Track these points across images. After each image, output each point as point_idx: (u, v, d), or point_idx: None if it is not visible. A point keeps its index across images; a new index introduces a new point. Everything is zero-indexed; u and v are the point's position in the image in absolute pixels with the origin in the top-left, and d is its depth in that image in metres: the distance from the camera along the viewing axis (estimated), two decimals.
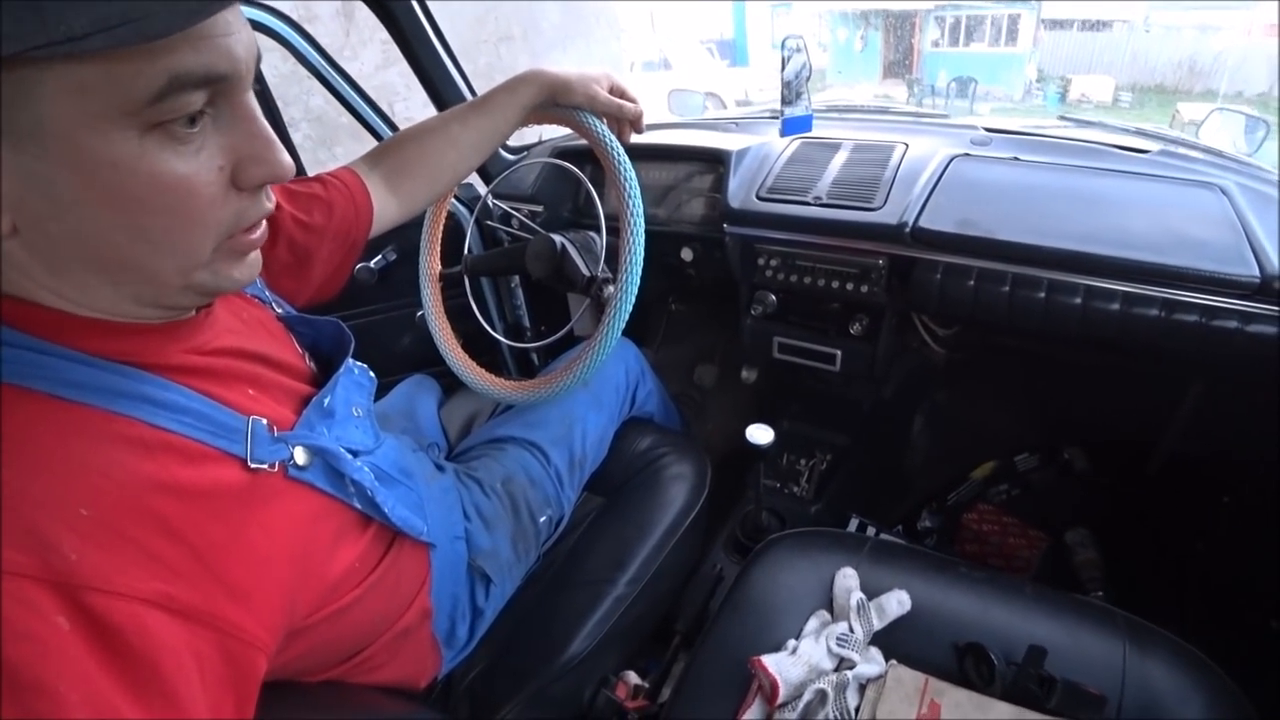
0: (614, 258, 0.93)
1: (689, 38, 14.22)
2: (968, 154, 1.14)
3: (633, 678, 0.99)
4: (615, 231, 0.93)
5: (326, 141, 2.66)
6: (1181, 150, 1.16)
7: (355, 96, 1.33)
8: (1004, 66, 11.80)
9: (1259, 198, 0.98)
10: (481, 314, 1.21)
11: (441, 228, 1.17)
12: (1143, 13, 11.97)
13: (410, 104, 2.80)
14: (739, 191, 1.19)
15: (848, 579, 0.84)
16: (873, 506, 1.51)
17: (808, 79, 1.11)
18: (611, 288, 0.96)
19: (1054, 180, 1.07)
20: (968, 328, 1.30)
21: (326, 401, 0.64)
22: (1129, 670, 0.70)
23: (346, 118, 1.38)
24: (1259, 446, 1.10)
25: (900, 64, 13.27)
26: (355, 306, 1.50)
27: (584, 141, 0.93)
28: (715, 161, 1.26)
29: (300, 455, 0.56)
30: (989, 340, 1.38)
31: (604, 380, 1.13)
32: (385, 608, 0.72)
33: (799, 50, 1.07)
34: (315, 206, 0.79)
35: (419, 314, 1.48)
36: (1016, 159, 1.12)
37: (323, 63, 1.28)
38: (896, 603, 0.80)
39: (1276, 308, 0.85)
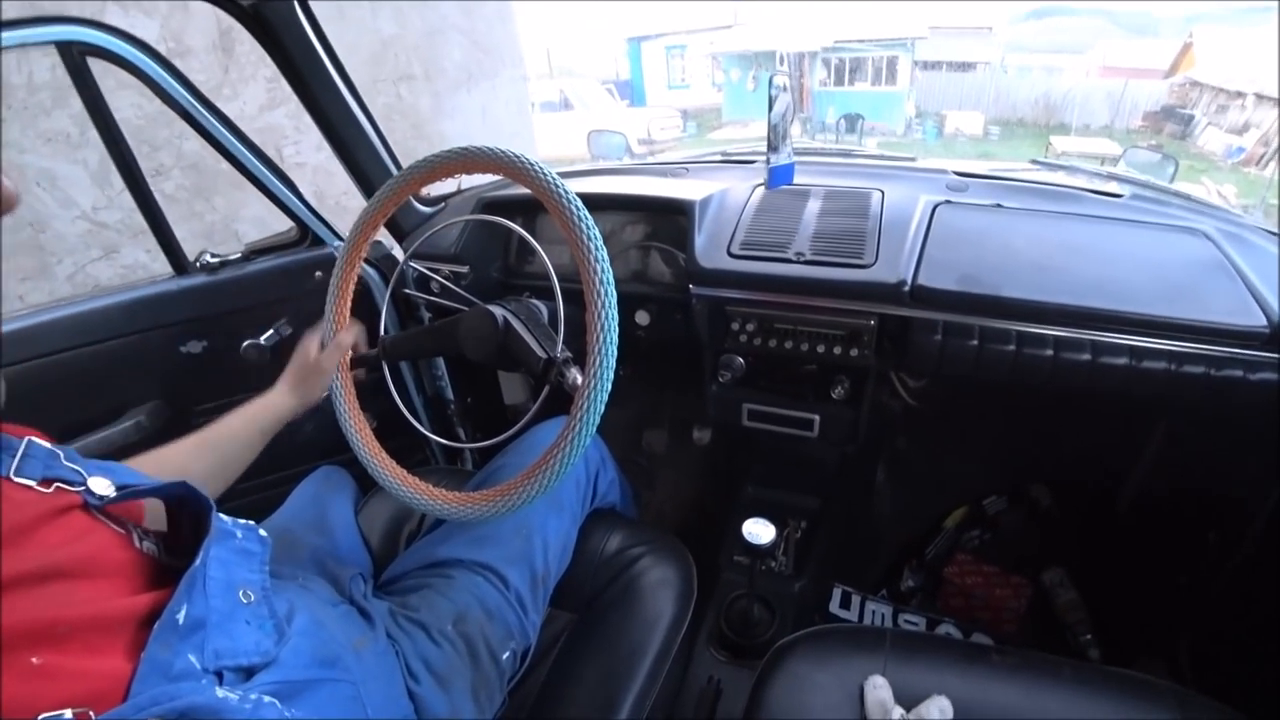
0: (573, 329, 0.78)
1: (587, 78, 14.46)
2: (950, 201, 1.07)
3: None
4: (569, 295, 0.79)
5: (204, 192, 2.35)
6: (1151, 193, 1.15)
7: (233, 141, 1.12)
8: (886, 104, 12.77)
9: (1239, 242, 0.97)
10: (398, 390, 1.01)
11: (349, 304, 0.97)
12: (999, 55, 13.35)
13: (301, 147, 2.54)
14: (707, 248, 1.06)
15: (879, 690, 0.74)
16: (851, 569, 1.42)
17: (791, 122, 1.00)
18: (577, 373, 0.79)
19: (1043, 229, 1.02)
20: (938, 379, 1.23)
21: (191, 613, 0.45)
22: None
23: (228, 164, 1.16)
24: (1235, 481, 1.09)
25: (792, 102, 14.05)
26: (244, 390, 1.26)
27: (513, 189, 0.77)
28: (674, 212, 1.12)
29: None
30: (956, 388, 1.32)
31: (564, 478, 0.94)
32: None
33: (785, 90, 0.95)
34: None
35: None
36: (1000, 205, 1.06)
37: (193, 102, 1.06)
38: (938, 711, 0.71)
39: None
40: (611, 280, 0.72)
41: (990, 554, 1.45)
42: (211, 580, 0.50)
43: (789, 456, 1.40)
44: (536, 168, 0.75)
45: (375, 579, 0.90)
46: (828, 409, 1.09)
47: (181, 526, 0.56)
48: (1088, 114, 12.68)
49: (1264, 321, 0.83)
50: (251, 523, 0.60)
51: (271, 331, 1.22)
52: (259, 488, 1.33)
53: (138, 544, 0.50)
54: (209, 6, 1.02)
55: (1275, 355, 0.83)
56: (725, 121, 14.40)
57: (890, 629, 0.83)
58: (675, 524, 1.60)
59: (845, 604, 1.31)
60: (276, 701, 0.49)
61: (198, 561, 0.48)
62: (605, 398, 0.73)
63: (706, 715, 0.97)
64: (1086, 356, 0.88)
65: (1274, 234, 1.02)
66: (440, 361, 1.48)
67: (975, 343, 0.91)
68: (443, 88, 3.24)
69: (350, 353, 0.96)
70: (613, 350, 0.71)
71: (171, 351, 1.18)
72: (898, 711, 0.71)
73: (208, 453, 0.82)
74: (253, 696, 0.47)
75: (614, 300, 0.72)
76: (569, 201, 0.72)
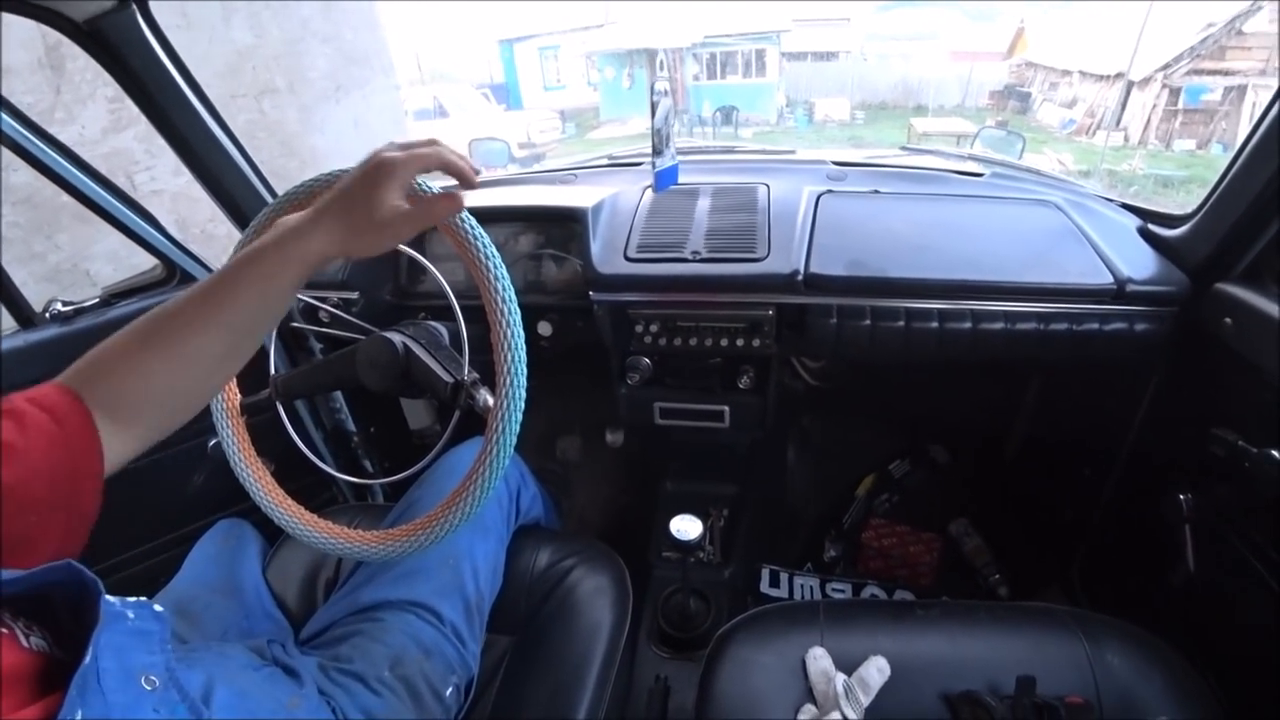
0: (475, 347, 0.77)
1: (460, 83, 14.08)
2: (831, 190, 1.13)
3: None
4: (469, 313, 0.77)
5: (44, 228, 2.10)
6: (1007, 171, 1.25)
7: (72, 170, 1.00)
8: (758, 95, 13.26)
9: (1084, 211, 1.09)
10: (294, 427, 0.95)
11: None
12: (859, 44, 14.20)
13: (156, 173, 2.33)
14: (604, 253, 1.06)
15: (820, 660, 0.78)
16: (775, 548, 1.47)
17: (673, 125, 1.01)
18: (487, 393, 0.77)
19: (918, 210, 1.09)
20: (835, 360, 1.30)
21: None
22: (1096, 669, 0.73)
23: (69, 196, 1.04)
24: (1099, 422, 1.21)
25: (674, 106, 14.30)
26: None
27: None
28: (567, 220, 1.12)
29: None
30: (854, 367, 1.40)
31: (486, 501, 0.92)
32: None
33: (666, 94, 0.97)
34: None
35: (212, 442, 1.16)
36: (877, 191, 1.13)
37: (18, 128, 0.94)
38: (876, 670, 0.76)
39: (1126, 308, 0.94)
40: (513, 296, 0.70)
41: (901, 514, 1.55)
42: (106, 674, 0.45)
43: (702, 448, 1.43)
44: (423, 185, 0.71)
45: (296, 635, 0.84)
46: (736, 399, 1.12)
47: (59, 612, 0.50)
48: (942, 95, 13.81)
49: (1110, 279, 0.93)
50: (144, 599, 0.53)
51: None
52: (148, 553, 1.21)
53: (24, 642, 0.44)
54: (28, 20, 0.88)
55: (1122, 308, 0.94)
56: (604, 120, 14.48)
57: (822, 601, 0.87)
58: (598, 528, 1.60)
59: (775, 582, 1.36)
60: None
61: (87, 658, 0.42)
62: (520, 416, 0.71)
63: (659, 714, 0.97)
64: (968, 325, 0.95)
65: (1112, 200, 1.15)
66: (337, 393, 1.40)
67: (868, 323, 0.97)
68: (309, 100, 3.06)
69: (240, 397, 0.89)
70: (522, 368, 0.70)
71: None
72: (840, 677, 0.75)
73: (224, 325, 0.57)
74: None
75: (518, 316, 0.70)
76: (461, 219, 0.70)
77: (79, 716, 0.40)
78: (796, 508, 1.61)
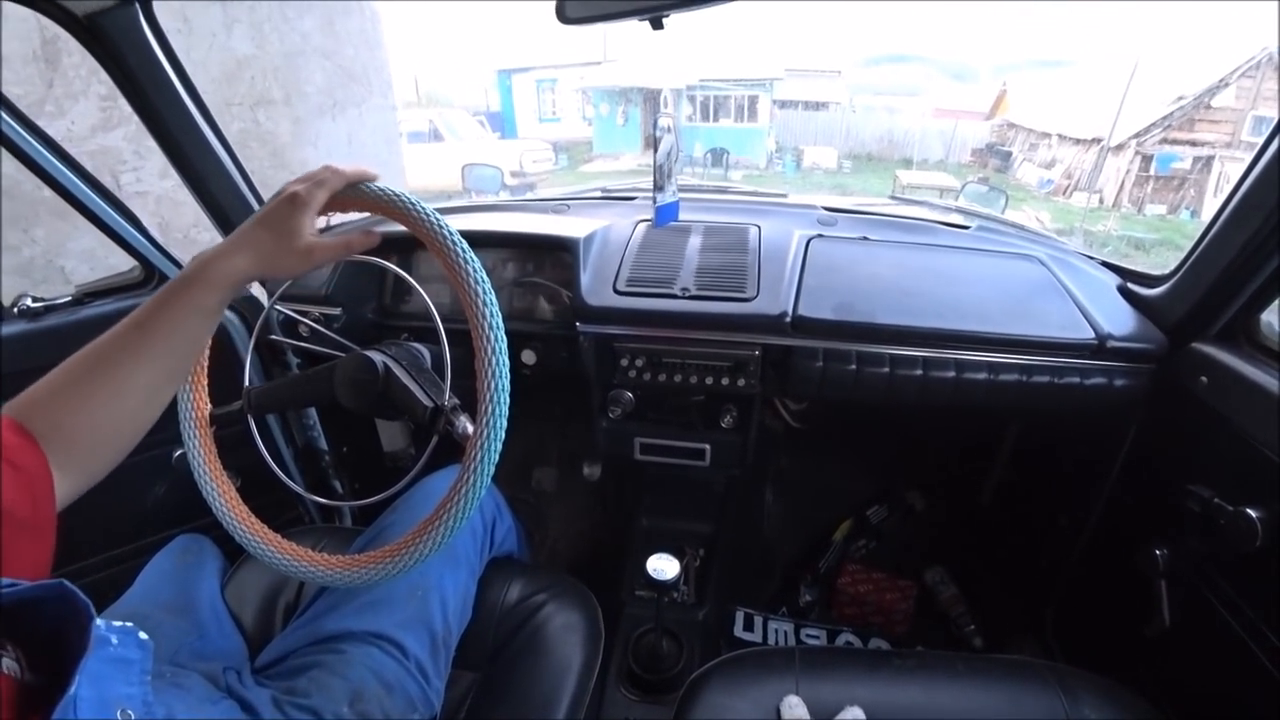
0: (457, 371, 0.74)
1: (456, 109, 14.22)
2: (821, 235, 1.14)
3: None
4: (453, 337, 0.75)
5: (20, 220, 2.05)
6: (993, 225, 1.28)
7: (56, 164, 0.97)
8: (749, 139, 13.56)
9: (1066, 266, 1.11)
10: (265, 443, 0.91)
11: (206, 354, 0.86)
12: (848, 96, 14.66)
13: (142, 174, 2.29)
14: (594, 285, 1.06)
15: (796, 709, 0.76)
16: (749, 590, 1.45)
17: (675, 161, 1.02)
18: (467, 421, 0.75)
19: (906, 259, 1.11)
20: (817, 401, 1.30)
21: None
22: None
23: (50, 190, 1.01)
24: (1076, 471, 1.22)
25: (677, 143, 14.58)
26: None
27: (387, 225, 0.73)
28: (558, 249, 1.11)
29: None
30: (833, 409, 1.40)
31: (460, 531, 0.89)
32: None
33: (669, 131, 0.97)
34: None
35: (177, 453, 1.12)
36: (866, 238, 1.14)
37: (5, 118, 0.92)
38: None
39: (1106, 363, 0.96)
40: (501, 323, 0.69)
41: (877, 560, 1.54)
42: (82, 703, 0.42)
43: (678, 485, 1.42)
44: (417, 207, 0.70)
45: (252, 661, 0.80)
46: (717, 437, 1.11)
47: (40, 633, 0.46)
48: (925, 149, 14.28)
49: (1092, 334, 0.95)
50: (129, 625, 0.50)
51: None
52: (100, 565, 1.16)
53: (6, 671, 0.41)
54: (27, 11, 0.86)
55: (1102, 363, 0.96)
56: (595, 155, 14.67)
57: (798, 647, 0.85)
58: (569, 561, 1.57)
59: (749, 626, 1.33)
60: None
61: (72, 687, 0.40)
62: (500, 446, 0.69)
63: None
64: (952, 374, 0.96)
65: (1093, 258, 1.18)
66: (311, 410, 1.36)
67: (853, 367, 0.97)
68: (304, 113, 3.06)
69: (209, 407, 0.86)
70: (505, 397, 0.68)
71: None
72: None
73: (160, 353, 0.59)
74: None
75: (504, 344, 0.69)
76: (453, 242, 0.69)
77: None
78: (772, 549, 1.59)
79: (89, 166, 1.03)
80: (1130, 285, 1.08)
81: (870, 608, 1.44)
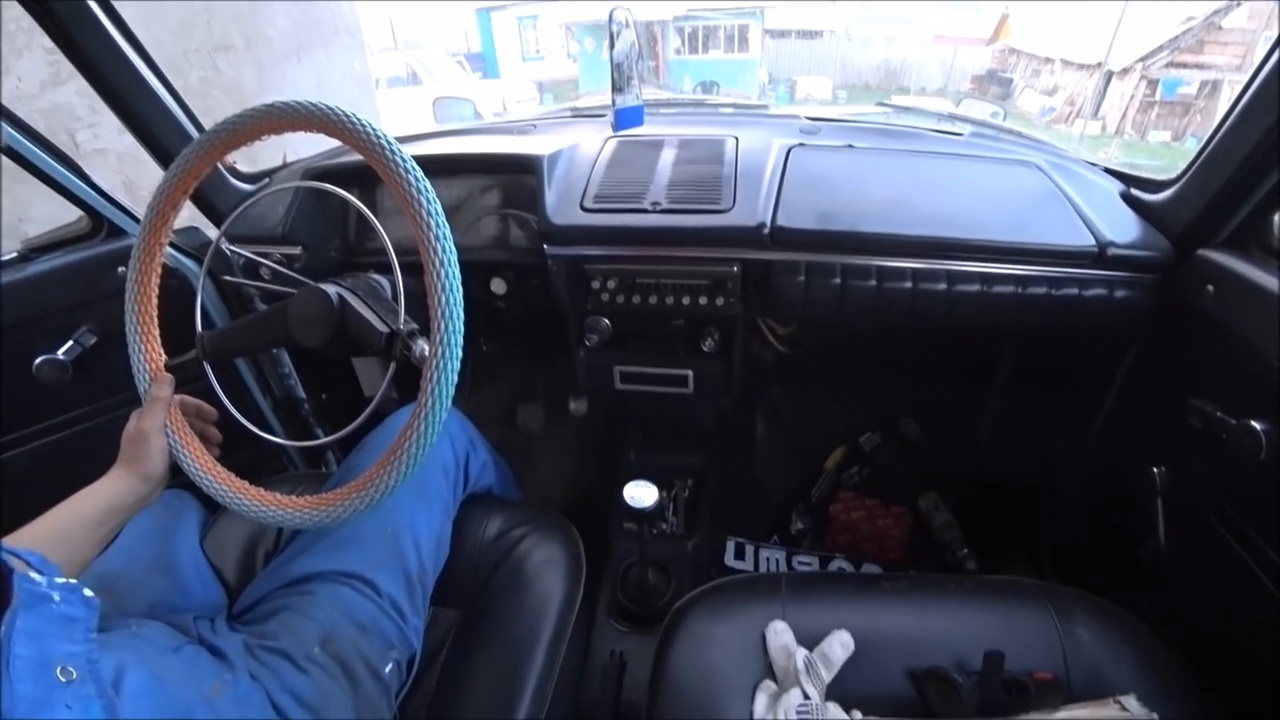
0: (416, 301, 0.70)
1: (435, 50, 13.70)
2: (803, 144, 1.07)
3: None
4: (410, 269, 0.71)
5: None
6: (988, 131, 1.21)
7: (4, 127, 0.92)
8: (740, 71, 13.09)
9: (1066, 173, 1.04)
10: (236, 399, 0.88)
11: (155, 298, 0.81)
12: (844, 23, 14.14)
13: (99, 130, 2.20)
14: (559, 204, 1.00)
15: (781, 634, 0.74)
16: (742, 521, 1.44)
17: (638, 61, 0.94)
18: (424, 343, 0.71)
19: (894, 166, 1.04)
20: (805, 325, 1.26)
21: None
22: (1065, 644, 0.71)
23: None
24: (1074, 395, 1.18)
25: (647, 71, 14.05)
26: (45, 418, 1.08)
27: (345, 157, 0.68)
28: (522, 170, 1.04)
29: None
30: (823, 333, 1.36)
31: (429, 465, 0.85)
32: None
33: (626, 25, 0.89)
34: None
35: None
36: (851, 146, 1.07)
37: None
38: (840, 646, 0.73)
39: (1107, 273, 0.90)
40: (449, 234, 0.65)
41: (870, 488, 1.52)
42: (18, 661, 0.42)
43: (668, 418, 1.38)
44: (355, 120, 0.66)
45: (231, 610, 0.79)
46: (700, 363, 1.07)
47: None
48: (924, 78, 13.81)
49: (1092, 241, 0.90)
50: (73, 581, 0.51)
51: (70, 343, 1.03)
52: None
53: None
54: None
55: (1103, 272, 0.90)
56: (582, 93, 14.14)
57: (785, 573, 0.83)
58: (561, 501, 1.55)
59: (740, 555, 1.32)
60: None
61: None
62: (457, 365, 0.66)
63: (613, 690, 0.93)
64: (943, 286, 0.91)
65: (1094, 165, 1.11)
66: (285, 358, 1.32)
67: (838, 281, 0.92)
68: (268, 59, 2.92)
69: (163, 358, 0.82)
70: (458, 311, 0.65)
71: None
72: (801, 653, 0.72)
73: (60, 544, 0.66)
74: None
75: (453, 255, 0.65)
76: (392, 151, 0.65)
77: None
78: (765, 481, 1.57)
79: (43, 125, 0.98)
80: (1134, 191, 1.01)
81: (863, 535, 1.42)
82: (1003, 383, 1.39)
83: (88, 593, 0.52)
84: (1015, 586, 0.79)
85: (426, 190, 0.64)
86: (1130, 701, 0.66)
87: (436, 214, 0.65)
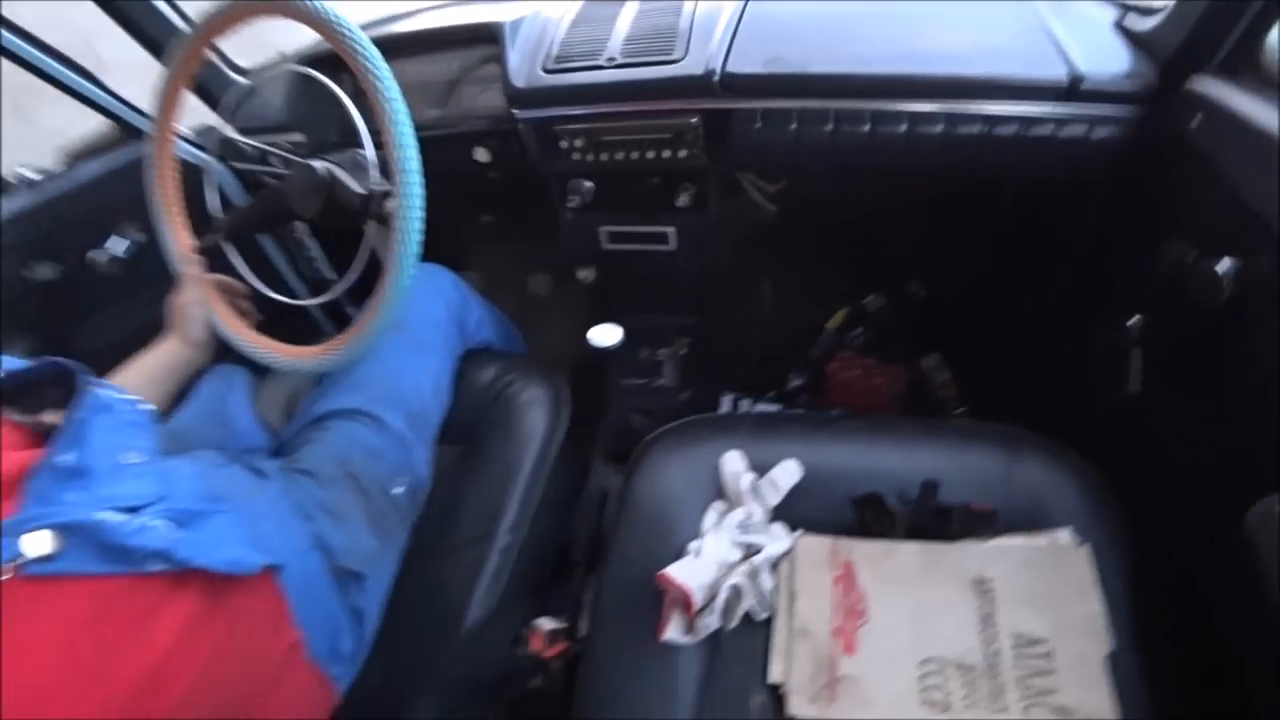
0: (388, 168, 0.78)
1: None
2: None
3: (547, 624, 0.92)
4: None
5: (20, 109, 2.12)
6: None
7: (18, 41, 0.97)
8: None
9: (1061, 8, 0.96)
10: (270, 279, 1.01)
11: (172, 185, 0.93)
12: None
13: (117, 40, 2.27)
14: (521, 68, 1.02)
15: (733, 463, 0.81)
16: (740, 380, 1.50)
17: None
18: (391, 200, 0.80)
19: (857, 4, 0.99)
20: (794, 181, 1.26)
21: (70, 459, 0.51)
22: (1011, 479, 0.74)
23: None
24: (1056, 245, 1.16)
25: None
26: (105, 307, 1.18)
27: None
28: (487, 40, 1.07)
29: (39, 543, 0.45)
30: (817, 191, 1.35)
31: (419, 318, 0.97)
32: (242, 668, 0.60)
33: None
34: None
35: None
36: None
37: None
38: (786, 473, 0.79)
39: (1084, 108, 0.84)
40: (400, 97, 0.74)
41: (873, 350, 1.53)
42: (95, 437, 0.54)
43: (661, 280, 1.40)
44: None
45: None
46: (679, 219, 1.11)
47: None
48: None
49: (1064, 73, 0.83)
50: (127, 395, 0.62)
51: (127, 242, 1.13)
52: None
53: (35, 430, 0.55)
54: None
55: (1078, 108, 0.84)
56: None
57: (751, 414, 0.90)
58: (575, 361, 1.60)
59: (735, 409, 1.40)
60: (160, 525, 0.54)
61: (74, 413, 0.51)
62: (419, 214, 0.75)
63: (596, 513, 1.06)
64: (903, 128, 0.88)
65: None
66: (310, 242, 1.43)
67: (794, 127, 0.91)
68: None
69: (191, 241, 0.95)
70: (415, 166, 0.74)
71: (16, 283, 1.04)
72: (750, 476, 0.79)
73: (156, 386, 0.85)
74: (140, 519, 0.52)
75: (405, 115, 0.74)
76: (325, 12, 0.73)
77: (64, 457, 0.50)
78: (765, 341, 1.62)
79: (62, 42, 1.03)
80: (1129, 19, 0.91)
81: (859, 391, 1.46)
82: (1003, 230, 1.36)
83: (142, 405, 0.64)
84: (973, 428, 0.82)
85: (369, 50, 0.72)
86: (1063, 534, 0.70)
87: (385, 75, 0.73)
